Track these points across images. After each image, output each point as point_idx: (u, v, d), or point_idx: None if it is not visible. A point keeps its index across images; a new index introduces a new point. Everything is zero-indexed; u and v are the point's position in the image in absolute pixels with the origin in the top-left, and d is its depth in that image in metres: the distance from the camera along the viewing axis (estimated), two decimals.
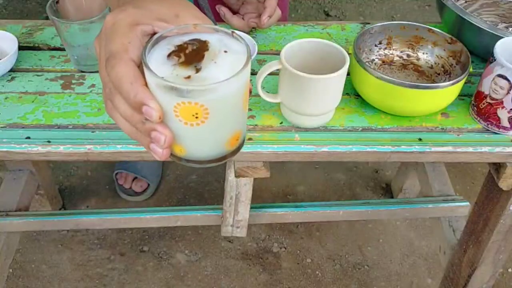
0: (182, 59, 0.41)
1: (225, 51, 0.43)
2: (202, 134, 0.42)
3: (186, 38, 0.43)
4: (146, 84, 0.40)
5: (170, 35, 0.43)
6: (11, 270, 1.31)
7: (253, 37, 0.88)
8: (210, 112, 0.40)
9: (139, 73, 0.40)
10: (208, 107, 0.40)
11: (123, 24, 0.42)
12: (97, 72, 0.83)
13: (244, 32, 0.88)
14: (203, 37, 0.43)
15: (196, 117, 0.40)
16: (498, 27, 0.85)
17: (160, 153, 0.41)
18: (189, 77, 0.40)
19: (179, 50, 0.42)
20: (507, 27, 0.91)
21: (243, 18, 0.89)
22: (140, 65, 0.41)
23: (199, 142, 0.43)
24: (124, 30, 0.41)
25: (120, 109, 0.41)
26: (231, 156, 0.46)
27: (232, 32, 0.44)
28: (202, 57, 0.42)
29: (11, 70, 0.83)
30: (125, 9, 0.43)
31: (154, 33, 0.43)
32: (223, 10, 0.90)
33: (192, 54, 0.42)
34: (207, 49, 0.42)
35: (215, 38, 0.44)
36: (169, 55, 0.42)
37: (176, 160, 0.46)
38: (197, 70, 0.41)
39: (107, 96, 0.42)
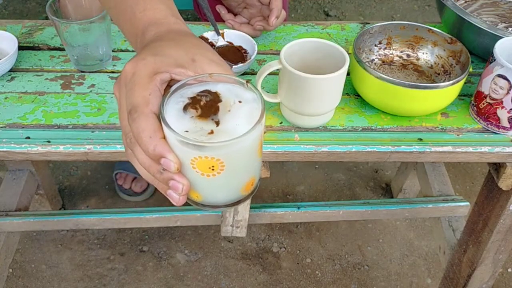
0: (199, 111, 0.42)
1: (240, 101, 0.43)
2: (217, 183, 0.44)
3: (197, 90, 0.44)
4: (164, 137, 0.42)
5: (187, 85, 0.44)
6: (11, 270, 1.31)
7: (253, 37, 0.88)
8: (226, 165, 0.42)
9: (158, 127, 0.42)
10: (223, 160, 0.41)
11: (143, 75, 0.43)
12: (96, 72, 0.83)
13: (256, 37, 0.88)
14: (213, 87, 0.44)
15: (212, 169, 0.42)
16: (498, 27, 0.85)
17: (177, 199, 0.44)
18: (212, 132, 0.41)
19: (193, 102, 0.43)
20: (507, 27, 0.91)
21: (249, 23, 0.89)
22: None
23: (215, 190, 0.45)
24: (144, 81, 0.43)
25: (139, 158, 0.43)
26: (246, 200, 0.48)
27: (247, 81, 0.44)
28: (217, 108, 0.43)
29: (11, 70, 0.83)
30: (143, 57, 0.44)
31: (172, 79, 0.45)
32: (222, 11, 0.90)
33: (207, 106, 0.43)
34: (221, 100, 0.43)
35: (226, 88, 0.44)
36: (185, 108, 0.43)
37: (192, 204, 0.47)
38: (217, 123, 0.42)
39: (128, 145, 0.44)
